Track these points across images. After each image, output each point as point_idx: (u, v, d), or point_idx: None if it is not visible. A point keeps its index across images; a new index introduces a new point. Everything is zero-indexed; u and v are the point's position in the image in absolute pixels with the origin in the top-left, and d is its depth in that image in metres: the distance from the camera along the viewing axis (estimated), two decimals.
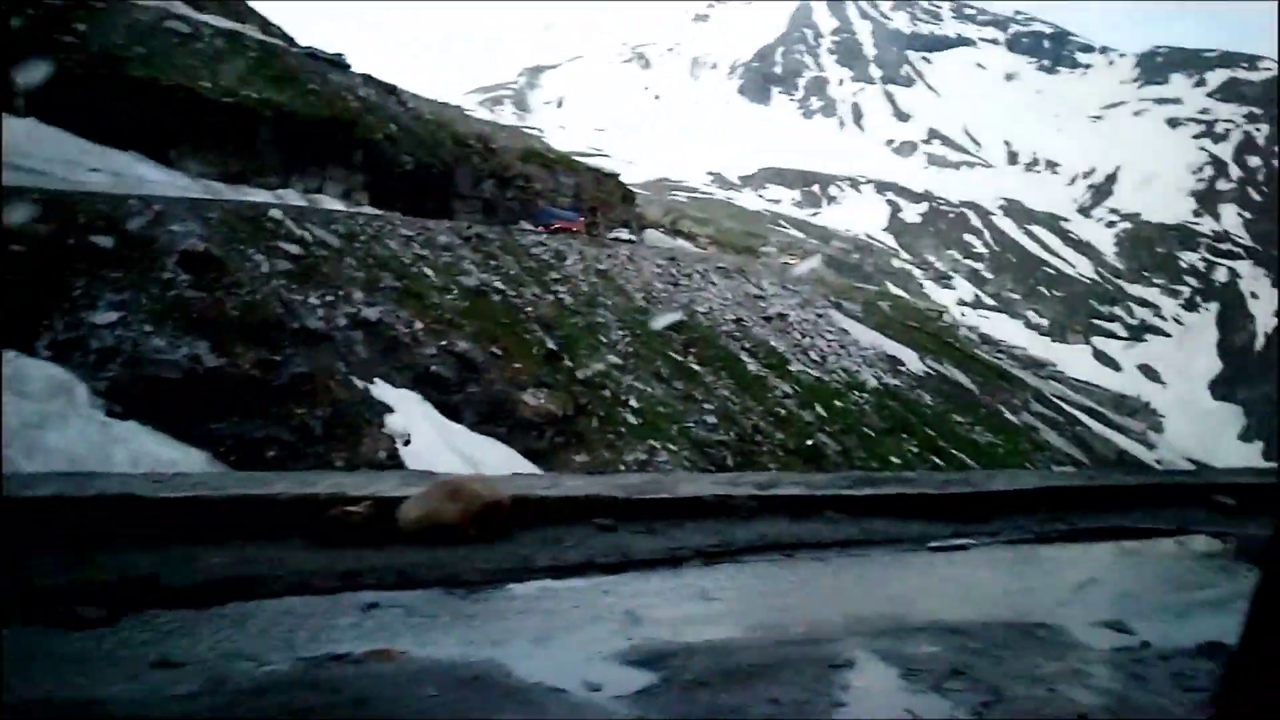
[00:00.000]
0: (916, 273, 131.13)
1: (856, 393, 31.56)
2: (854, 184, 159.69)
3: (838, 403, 30.31)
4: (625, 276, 30.97)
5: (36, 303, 15.31)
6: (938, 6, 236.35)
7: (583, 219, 41.13)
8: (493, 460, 20.14)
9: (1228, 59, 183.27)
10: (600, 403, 23.51)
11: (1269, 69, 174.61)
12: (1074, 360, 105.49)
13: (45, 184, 18.25)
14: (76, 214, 17.19)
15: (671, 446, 23.53)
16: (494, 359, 22.62)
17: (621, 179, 42.46)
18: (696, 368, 28.22)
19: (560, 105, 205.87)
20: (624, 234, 35.97)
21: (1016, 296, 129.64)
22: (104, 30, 24.35)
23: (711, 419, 25.63)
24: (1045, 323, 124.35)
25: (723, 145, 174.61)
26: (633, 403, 24.04)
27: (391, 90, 30.37)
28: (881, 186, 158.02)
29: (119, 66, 23.27)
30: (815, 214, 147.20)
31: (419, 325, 21.83)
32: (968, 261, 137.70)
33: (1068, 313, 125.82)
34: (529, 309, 24.89)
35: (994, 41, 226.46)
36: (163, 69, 24.40)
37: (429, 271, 24.18)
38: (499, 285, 25.31)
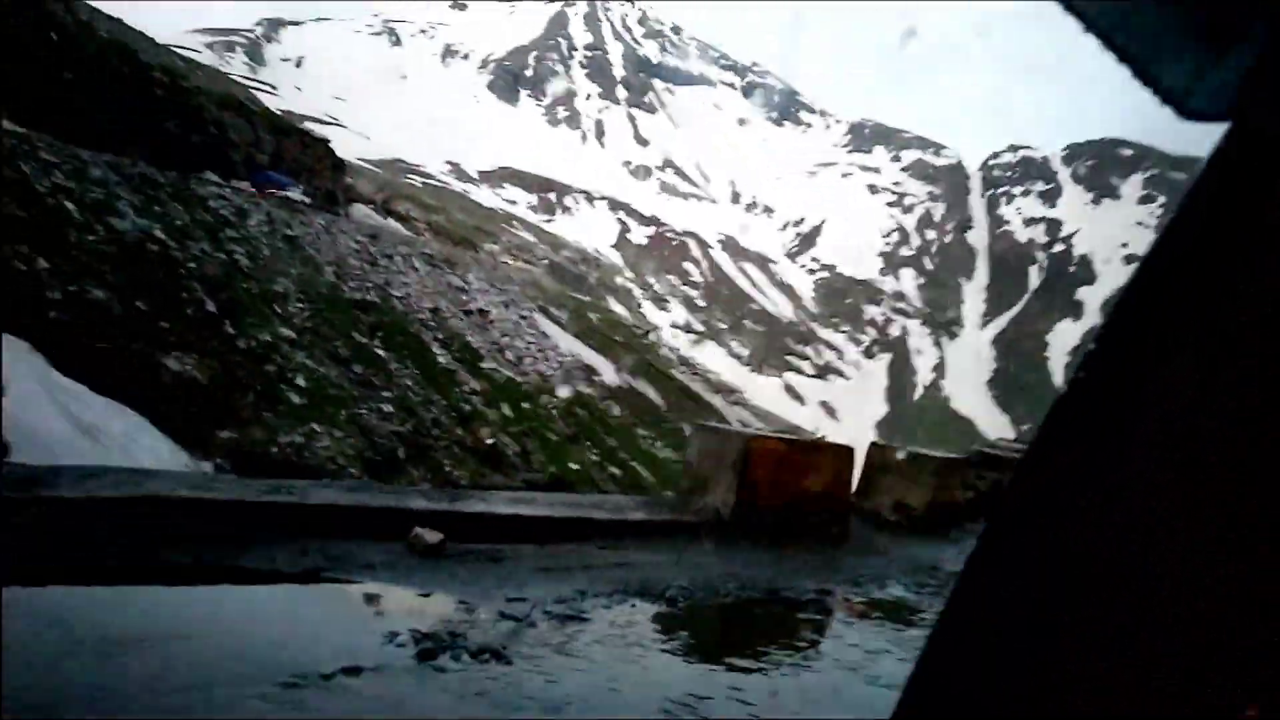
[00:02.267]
0: (637, 291, 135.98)
1: (547, 396, 31.49)
2: (589, 198, 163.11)
3: (526, 405, 30.04)
4: (317, 247, 28.85)
5: None
6: (686, 43, 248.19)
7: (300, 187, 38.46)
8: (116, 430, 17.70)
9: (920, 141, 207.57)
10: (260, 377, 21.50)
11: (950, 157, 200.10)
12: (766, 391, 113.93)
13: None
14: None
15: (336, 433, 22.00)
16: (137, 314, 19.97)
17: (332, 146, 39.79)
18: (381, 352, 26.79)
19: (299, 65, 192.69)
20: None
21: (724, 326, 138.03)
22: None
23: (388, 408, 24.35)
24: (746, 353, 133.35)
25: (465, 138, 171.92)
26: (300, 381, 22.23)
27: None
28: (615, 204, 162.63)
29: None
30: (549, 220, 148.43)
31: (43, 263, 18.79)
32: (684, 288, 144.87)
33: (766, 347, 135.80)
34: (191, 264, 22.32)
35: (731, 86, 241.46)
36: None
37: (70, 205, 20.98)
38: (159, 235, 22.52)
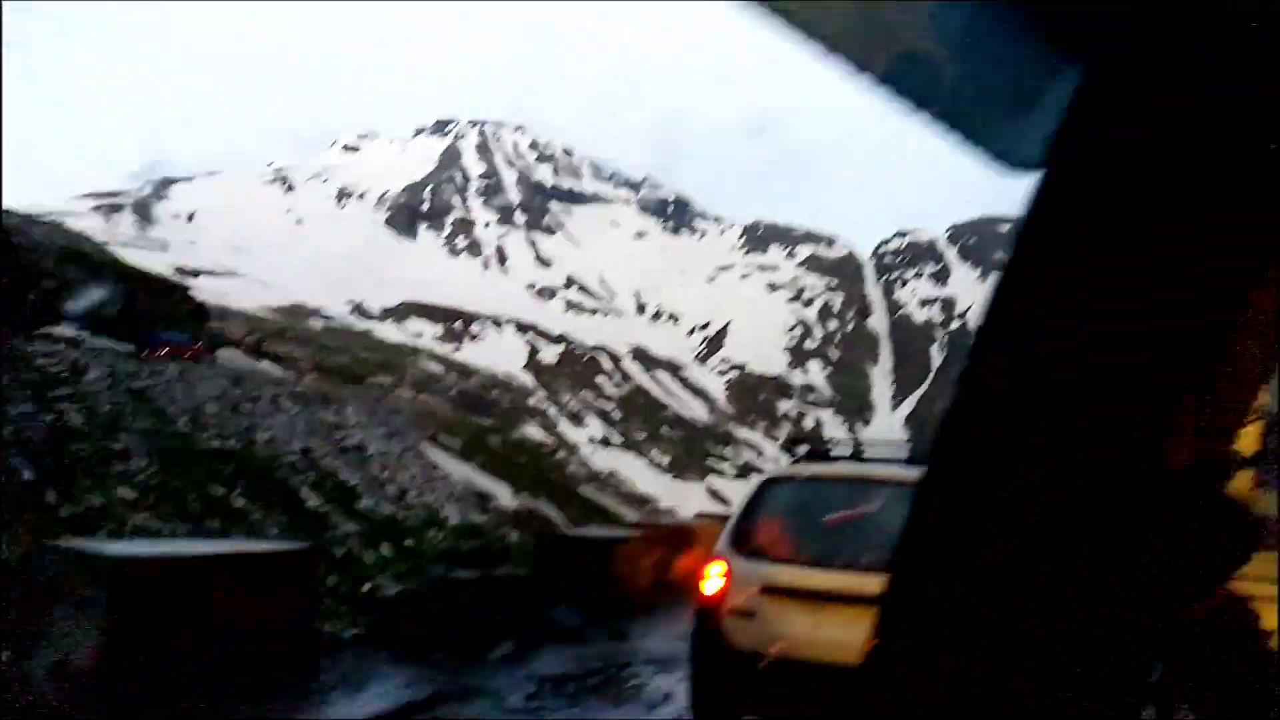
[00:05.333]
0: (552, 411, 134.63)
1: (435, 529, 29.65)
2: (496, 322, 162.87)
3: (410, 541, 28.11)
4: (169, 396, 27.02)
5: None
6: (577, 164, 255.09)
7: (199, 345, 36.99)
8: None
9: (810, 236, 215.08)
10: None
11: (842, 249, 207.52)
12: (690, 496, 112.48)
13: None
14: None
15: None
16: None
17: (192, 292, 38.30)
18: (241, 503, 24.81)
19: (191, 220, 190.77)
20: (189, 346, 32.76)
21: (642, 436, 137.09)
22: None
23: None
24: (666, 460, 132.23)
25: (366, 276, 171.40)
26: None
27: None
28: (522, 326, 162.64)
29: None
30: (456, 349, 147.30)
31: None
32: (599, 402, 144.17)
33: (685, 452, 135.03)
34: (7, 430, 20.37)
35: (626, 202, 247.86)
36: None
37: None
38: None
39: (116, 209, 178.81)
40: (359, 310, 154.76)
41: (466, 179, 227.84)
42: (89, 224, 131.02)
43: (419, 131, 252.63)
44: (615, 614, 11.36)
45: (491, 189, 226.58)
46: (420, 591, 11.24)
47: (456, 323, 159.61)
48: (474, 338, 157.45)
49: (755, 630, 5.75)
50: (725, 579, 6.10)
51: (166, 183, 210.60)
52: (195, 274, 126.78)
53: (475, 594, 10.02)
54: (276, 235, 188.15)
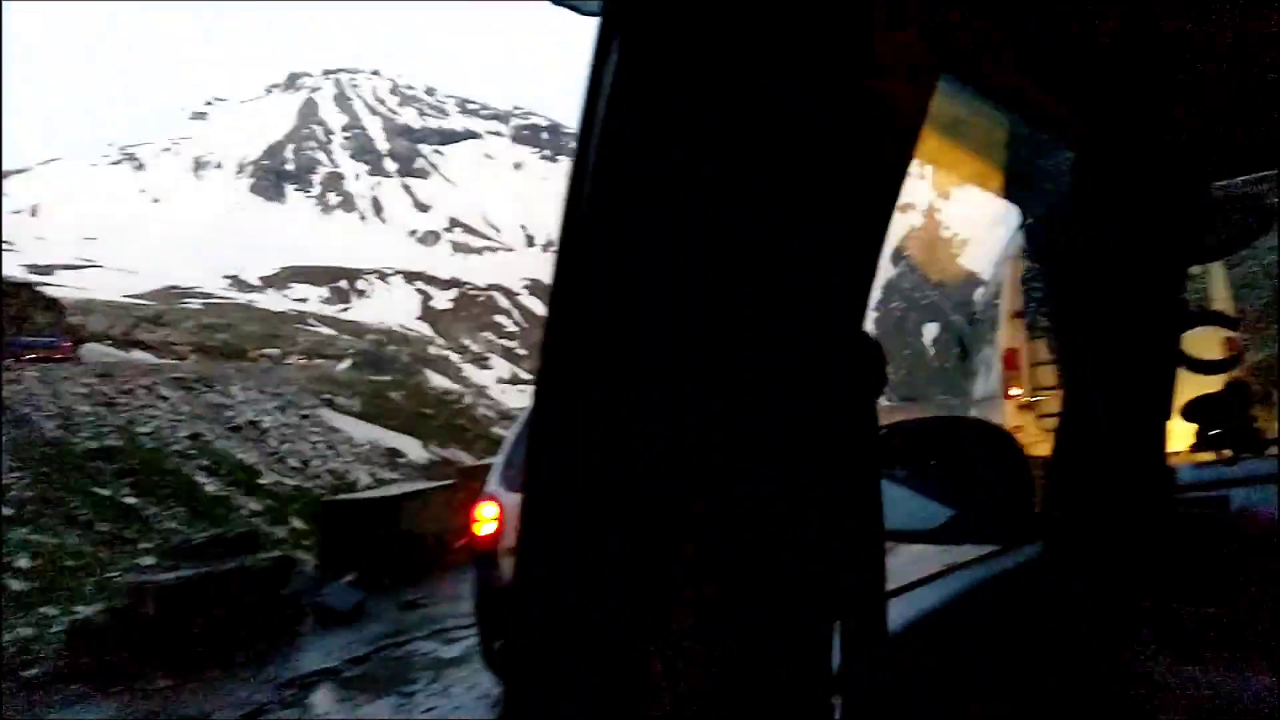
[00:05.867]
0: (454, 357, 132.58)
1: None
2: (382, 276, 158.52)
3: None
4: (33, 403, 25.36)
5: None
6: (442, 102, 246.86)
7: (69, 343, 34.97)
8: None
9: None
10: None
11: None
12: None
13: None
14: None
15: (80, 608, 18.92)
16: None
17: (41, 287, 35.84)
18: (133, 500, 23.67)
19: (35, 214, 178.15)
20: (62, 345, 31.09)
21: None
22: None
23: (150, 559, 21.36)
24: None
25: (238, 247, 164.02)
26: (22, 563, 19.05)
27: None
28: (410, 276, 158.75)
29: None
30: (345, 309, 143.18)
31: None
32: (501, 341, 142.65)
33: None
34: None
35: (498, 134, 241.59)
36: None
37: None
38: None
39: None
40: (237, 283, 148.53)
41: (329, 133, 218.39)
42: None
43: (271, 88, 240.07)
44: (406, 580, 10.50)
45: (357, 140, 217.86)
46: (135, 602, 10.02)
47: (340, 281, 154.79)
48: (361, 294, 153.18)
49: None
50: (498, 521, 5.78)
51: None
52: (48, 270, 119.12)
53: (225, 587, 9.08)
54: (133, 218, 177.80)
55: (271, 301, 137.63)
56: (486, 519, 5.81)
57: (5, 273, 37.48)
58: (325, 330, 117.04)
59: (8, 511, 20.96)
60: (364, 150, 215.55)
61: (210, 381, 32.70)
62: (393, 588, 10.71)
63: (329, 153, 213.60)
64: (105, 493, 23.43)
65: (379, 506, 11.81)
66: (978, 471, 1.62)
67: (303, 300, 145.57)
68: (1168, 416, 1.81)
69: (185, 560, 10.93)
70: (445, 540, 11.24)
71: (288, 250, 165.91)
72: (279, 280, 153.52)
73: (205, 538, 12.74)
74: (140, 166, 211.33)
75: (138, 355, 35.61)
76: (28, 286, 34.37)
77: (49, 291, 36.73)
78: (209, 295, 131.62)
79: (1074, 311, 1.74)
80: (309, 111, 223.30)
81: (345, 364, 62.33)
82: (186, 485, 25.51)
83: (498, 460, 6.26)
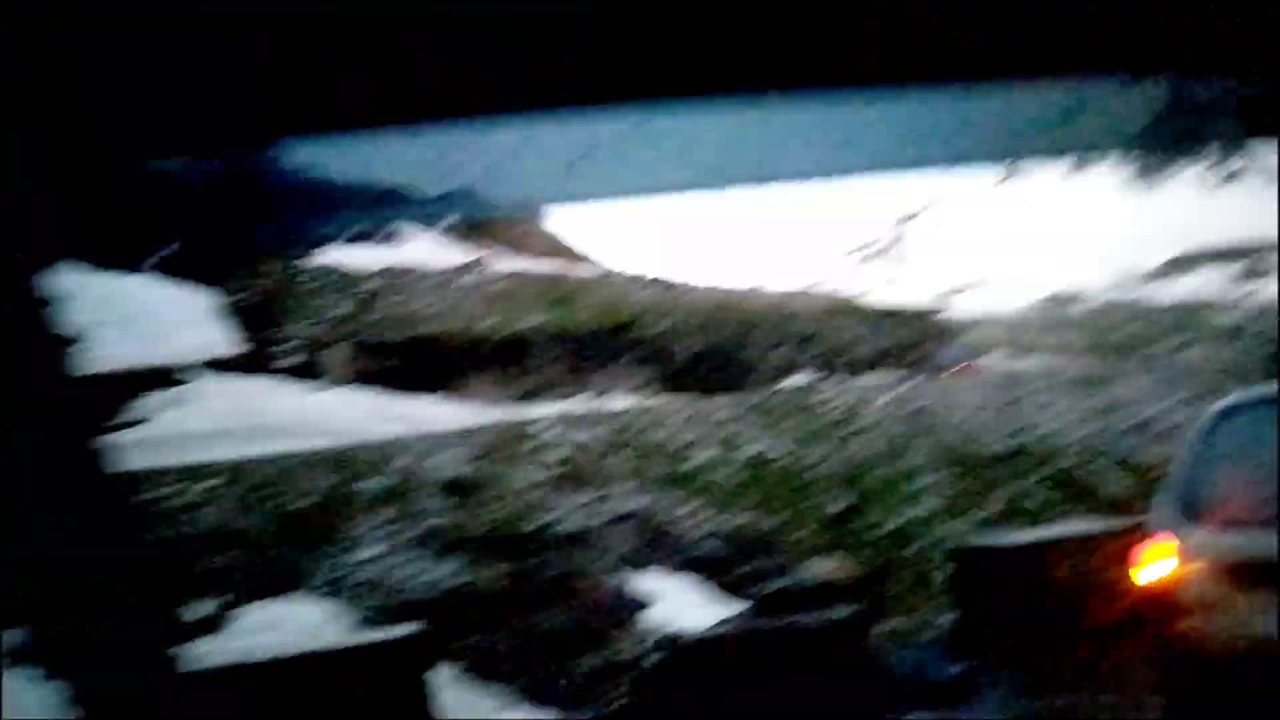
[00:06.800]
0: None
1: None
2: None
3: None
4: (938, 412, 27.78)
5: (309, 552, 16.99)
6: None
7: (977, 361, 39.96)
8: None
9: None
10: (902, 562, 20.61)
11: None
12: None
13: (343, 442, 20.73)
14: (354, 464, 19.19)
15: None
16: (771, 531, 20.99)
17: (944, 316, 39.57)
18: (1028, 506, 24.00)
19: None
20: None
21: None
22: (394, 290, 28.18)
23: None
24: None
25: (1120, 240, 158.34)
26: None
27: (670, 286, 31.40)
28: None
29: (408, 327, 26.68)
30: (1251, 293, 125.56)
31: (684, 509, 21.03)
32: None
33: None
34: (811, 470, 23.09)
35: None
36: (446, 319, 27.55)
37: (703, 450, 23.58)
38: (778, 451, 23.94)
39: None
40: (1125, 277, 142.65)
41: None
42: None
43: None
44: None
45: None
46: None
47: (1241, 261, 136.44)
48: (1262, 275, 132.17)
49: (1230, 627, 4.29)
50: (1176, 560, 4.44)
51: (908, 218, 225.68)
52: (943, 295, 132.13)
53: None
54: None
55: (1164, 292, 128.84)
56: (1154, 560, 4.51)
57: (907, 301, 43.19)
58: (1223, 318, 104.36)
59: (922, 512, 22.99)
60: None
61: (1104, 381, 31.41)
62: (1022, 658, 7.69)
63: None
64: (1009, 494, 24.13)
65: (1020, 555, 8.79)
66: None
67: (1201, 286, 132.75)
68: None
69: None
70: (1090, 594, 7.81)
71: (1173, 238, 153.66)
72: (1171, 269, 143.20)
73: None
74: None
75: (1027, 363, 36.62)
76: (926, 314, 38.59)
77: (945, 316, 40.33)
78: (1096, 296, 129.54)
79: None
80: None
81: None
82: (1091, 488, 24.83)
83: (1167, 483, 4.66)
